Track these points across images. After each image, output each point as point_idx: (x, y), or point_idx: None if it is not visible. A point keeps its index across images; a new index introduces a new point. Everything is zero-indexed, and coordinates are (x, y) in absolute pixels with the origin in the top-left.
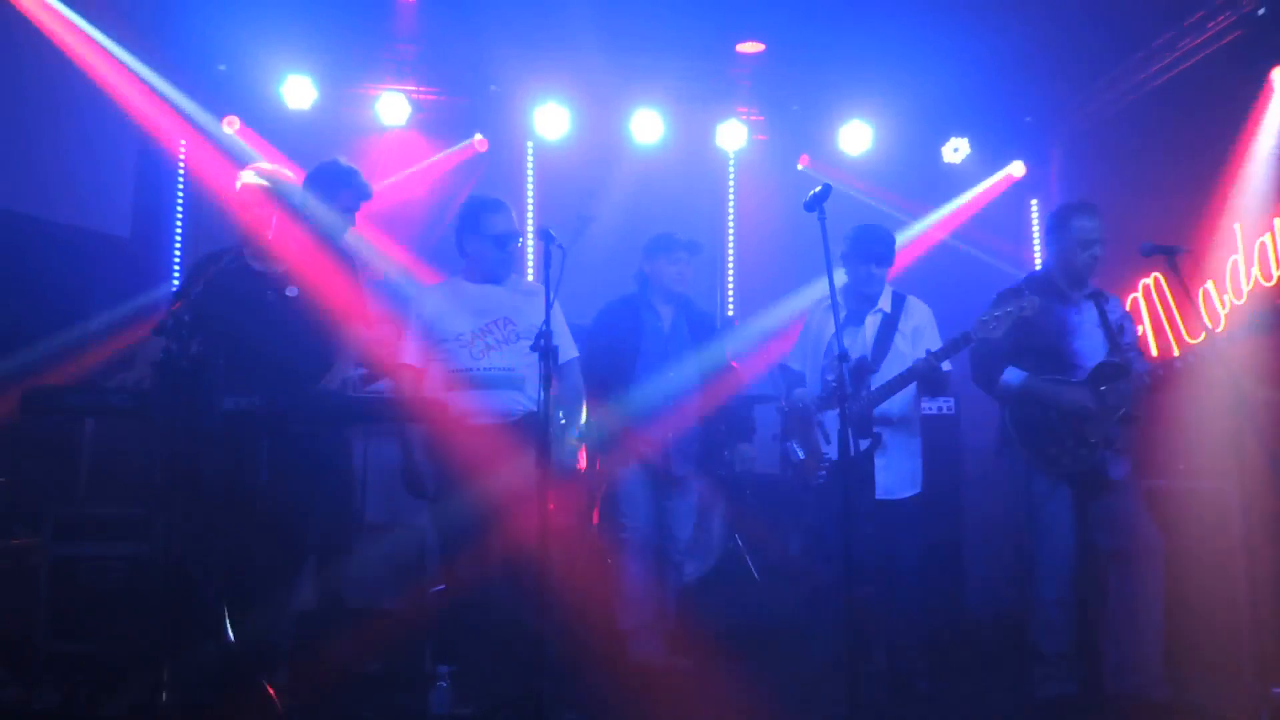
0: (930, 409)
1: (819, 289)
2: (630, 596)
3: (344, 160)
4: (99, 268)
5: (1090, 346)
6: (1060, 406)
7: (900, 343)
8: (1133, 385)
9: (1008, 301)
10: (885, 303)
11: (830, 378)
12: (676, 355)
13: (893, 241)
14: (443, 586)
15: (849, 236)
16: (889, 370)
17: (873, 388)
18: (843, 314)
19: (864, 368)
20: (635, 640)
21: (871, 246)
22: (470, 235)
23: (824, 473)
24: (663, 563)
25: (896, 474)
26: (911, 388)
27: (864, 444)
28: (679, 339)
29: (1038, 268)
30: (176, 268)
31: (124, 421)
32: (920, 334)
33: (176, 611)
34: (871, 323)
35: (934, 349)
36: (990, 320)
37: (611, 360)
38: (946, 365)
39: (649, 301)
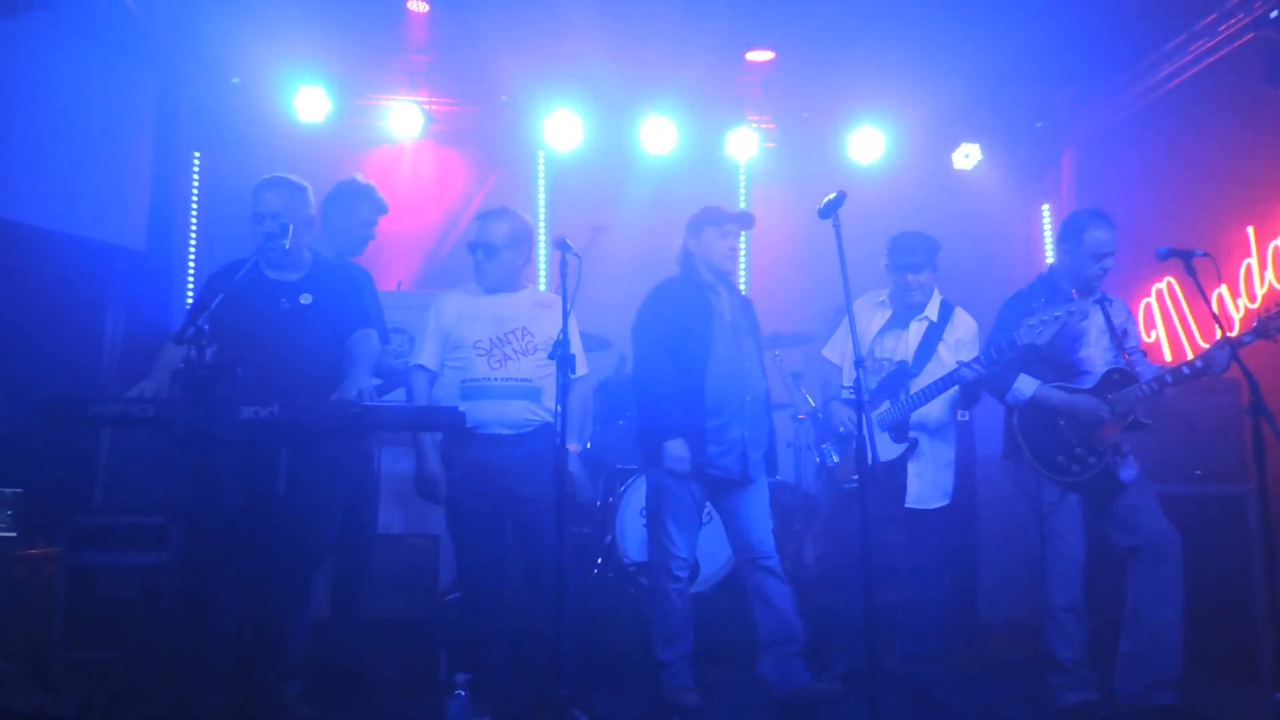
0: None
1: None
2: (672, 626)
3: (361, 177)
4: (115, 280)
5: (1097, 353)
6: (1072, 415)
7: (944, 352)
8: (1141, 392)
9: (1055, 305)
10: (932, 311)
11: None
12: (741, 344)
13: (928, 247)
14: (458, 594)
15: (887, 246)
16: (929, 378)
17: (911, 392)
18: (886, 315)
19: (904, 372)
20: (671, 673)
21: (904, 255)
22: (472, 245)
23: (857, 477)
24: (764, 578)
25: (930, 484)
26: (947, 398)
27: (900, 449)
28: (740, 325)
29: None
30: (191, 280)
31: (143, 431)
32: (962, 346)
33: (193, 619)
34: (916, 329)
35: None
36: (1038, 324)
37: (682, 350)
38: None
39: (705, 282)
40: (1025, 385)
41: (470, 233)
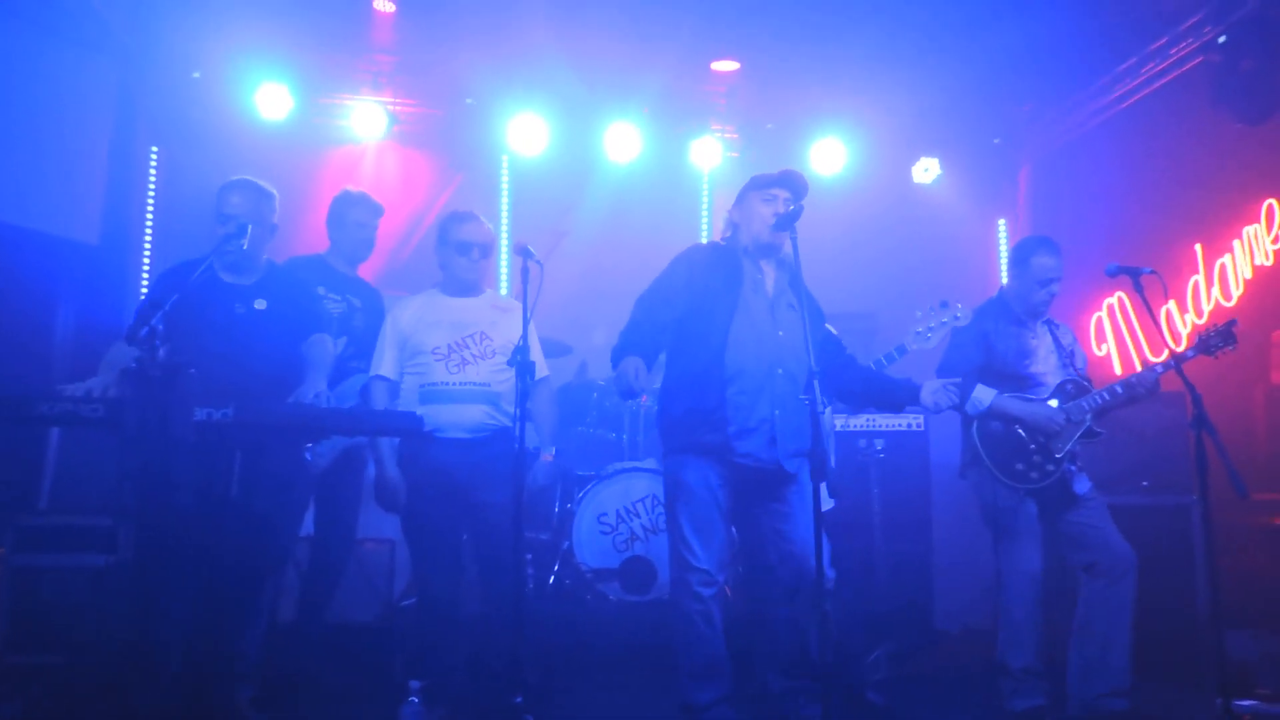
0: (899, 425)
1: None
2: (700, 660)
3: (352, 189)
4: (66, 275)
5: (1047, 368)
6: (1029, 422)
7: None
8: (1095, 402)
9: (939, 313)
10: None
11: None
12: (781, 318)
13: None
14: (414, 600)
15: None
16: None
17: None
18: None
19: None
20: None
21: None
22: (441, 246)
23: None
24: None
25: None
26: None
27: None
28: (786, 304)
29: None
30: (145, 276)
31: (92, 431)
32: None
33: (141, 624)
34: None
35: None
36: (925, 331)
37: (698, 310)
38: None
39: (744, 250)
40: (983, 394)
41: (462, 232)
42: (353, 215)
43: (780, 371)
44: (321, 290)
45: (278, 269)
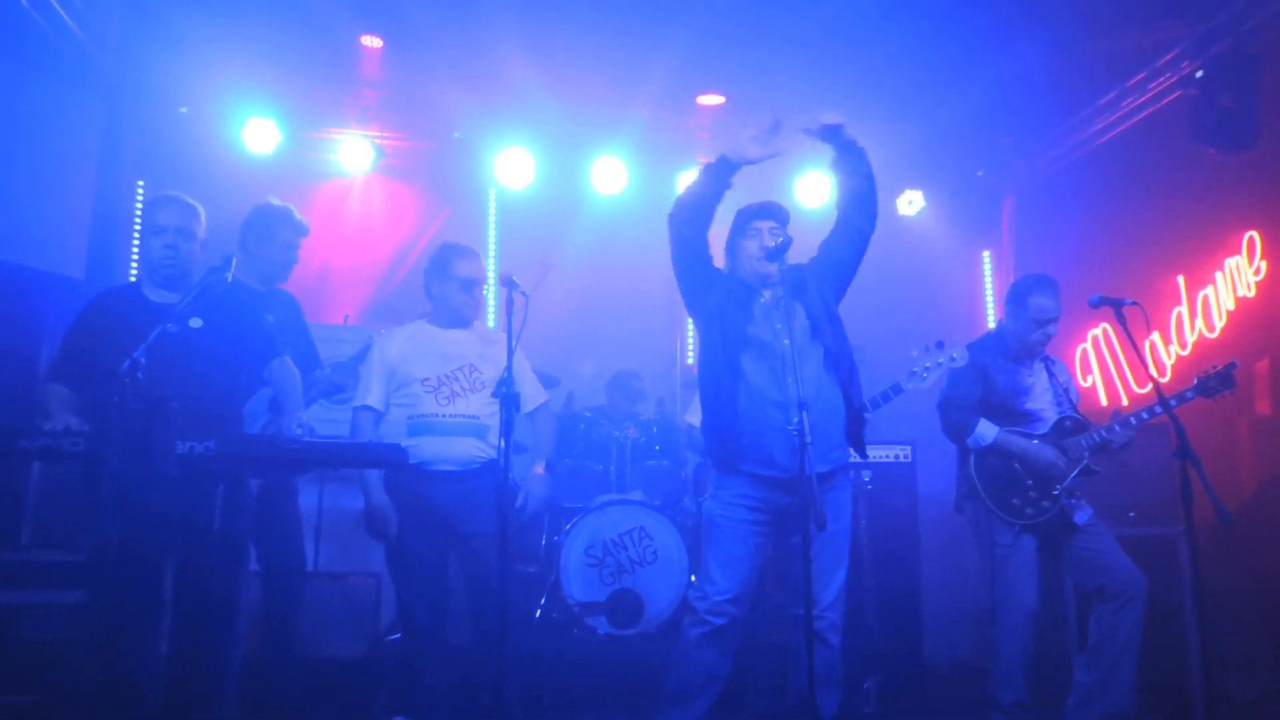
0: (887, 456)
1: None
2: (679, 679)
3: (276, 200)
4: (51, 309)
5: (1044, 404)
6: (1029, 460)
7: None
8: (1093, 439)
9: (936, 353)
10: None
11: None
12: (800, 345)
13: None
14: (398, 635)
15: None
16: None
17: None
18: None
19: None
20: None
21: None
22: (438, 279)
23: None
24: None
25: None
26: None
27: None
28: (797, 326)
29: (990, 318)
30: None
31: (71, 466)
32: None
33: (120, 661)
34: None
35: None
36: (921, 372)
37: (719, 327)
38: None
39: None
40: (986, 430)
41: (465, 269)
42: (280, 236)
43: (804, 391)
44: None
45: (214, 286)
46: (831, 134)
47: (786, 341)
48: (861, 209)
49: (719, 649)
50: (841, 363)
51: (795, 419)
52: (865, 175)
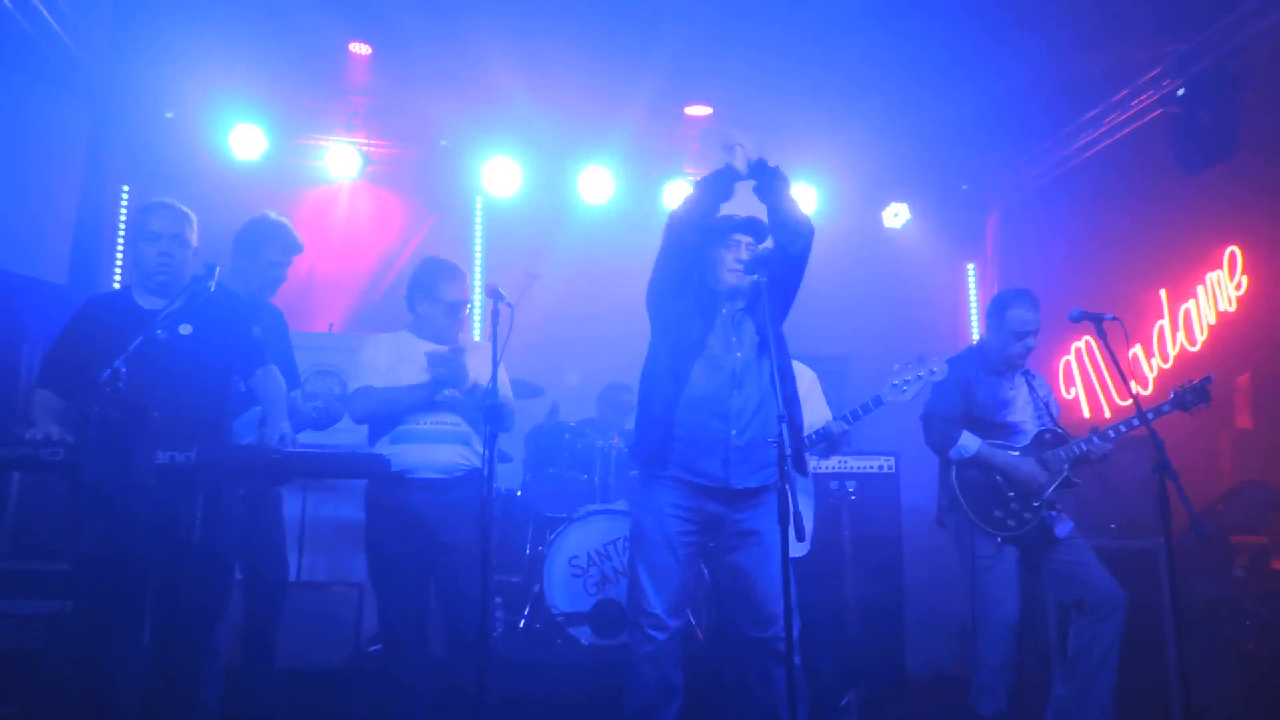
0: (870, 467)
1: None
2: (637, 703)
3: (274, 215)
4: (34, 315)
5: (1025, 417)
6: (1010, 472)
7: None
8: (1073, 452)
9: (916, 366)
10: None
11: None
12: (750, 356)
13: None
14: (380, 646)
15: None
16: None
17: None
18: None
19: None
20: None
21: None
22: (423, 298)
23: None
24: (768, 661)
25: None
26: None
27: None
28: (753, 343)
29: (974, 331)
30: None
31: (52, 475)
32: (808, 398)
33: (99, 670)
34: None
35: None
36: (902, 384)
37: (675, 333)
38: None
39: (718, 294)
40: (969, 442)
41: (452, 291)
42: (269, 253)
43: (747, 402)
44: None
45: (203, 292)
46: (752, 170)
47: (739, 354)
48: (782, 232)
49: (671, 662)
50: (786, 380)
51: (776, 430)
52: (779, 198)
